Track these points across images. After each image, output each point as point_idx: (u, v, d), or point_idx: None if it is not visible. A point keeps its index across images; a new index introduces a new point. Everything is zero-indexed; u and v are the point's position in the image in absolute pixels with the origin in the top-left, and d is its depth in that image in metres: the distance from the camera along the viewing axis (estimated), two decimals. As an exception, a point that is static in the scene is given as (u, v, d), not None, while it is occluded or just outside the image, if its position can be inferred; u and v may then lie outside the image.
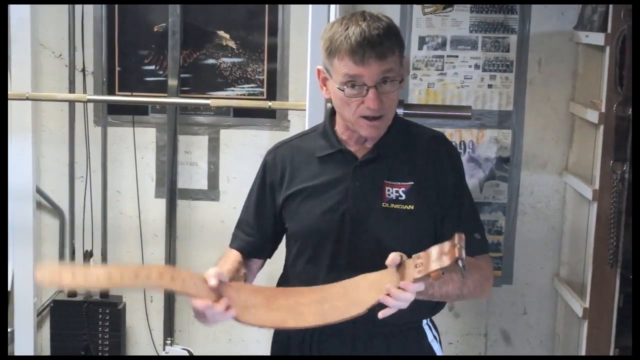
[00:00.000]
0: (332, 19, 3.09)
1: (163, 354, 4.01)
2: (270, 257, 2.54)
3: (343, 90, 2.19)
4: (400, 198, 2.28)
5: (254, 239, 2.48)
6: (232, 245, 2.51)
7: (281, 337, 2.49)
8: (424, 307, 2.30)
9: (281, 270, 2.55)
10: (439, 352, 2.43)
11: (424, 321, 2.40)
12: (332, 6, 2.93)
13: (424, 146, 2.35)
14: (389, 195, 2.28)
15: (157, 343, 4.09)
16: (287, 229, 2.42)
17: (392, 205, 2.28)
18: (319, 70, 2.30)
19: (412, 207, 2.27)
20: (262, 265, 2.55)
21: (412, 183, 2.29)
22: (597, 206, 3.39)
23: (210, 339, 4.13)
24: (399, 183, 2.29)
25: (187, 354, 3.96)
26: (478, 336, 4.01)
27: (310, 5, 2.72)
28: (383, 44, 2.16)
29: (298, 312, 2.17)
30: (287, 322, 2.20)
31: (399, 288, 2.02)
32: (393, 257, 2.07)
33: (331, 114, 2.39)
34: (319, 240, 2.32)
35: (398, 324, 2.29)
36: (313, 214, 2.32)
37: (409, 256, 2.06)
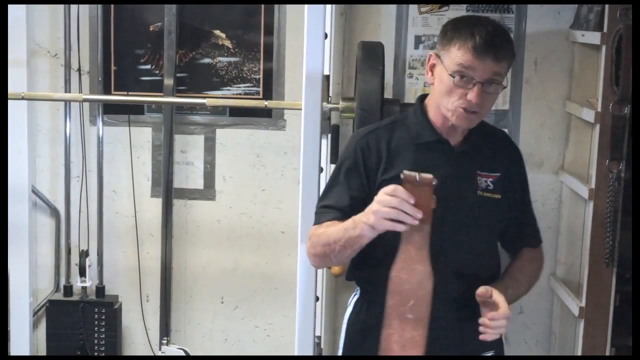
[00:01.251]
0: (329, 18, 3.09)
1: (159, 353, 4.01)
2: None
3: (453, 77, 2.29)
4: (489, 187, 2.44)
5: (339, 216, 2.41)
6: (324, 220, 2.41)
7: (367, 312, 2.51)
8: None
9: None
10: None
11: None
12: (328, 6, 2.93)
13: (501, 142, 2.56)
14: (480, 184, 2.43)
15: (153, 343, 4.09)
16: None
17: (485, 194, 2.43)
18: (430, 56, 2.39)
19: (500, 197, 2.44)
20: None
21: (499, 174, 2.45)
22: (593, 205, 3.39)
23: (206, 339, 4.13)
24: (489, 173, 2.44)
25: (183, 354, 3.96)
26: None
27: (306, 5, 2.72)
28: (503, 48, 2.32)
29: None
30: None
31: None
32: (483, 292, 2.29)
33: (421, 103, 2.47)
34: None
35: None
36: None
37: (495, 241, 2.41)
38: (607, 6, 3.32)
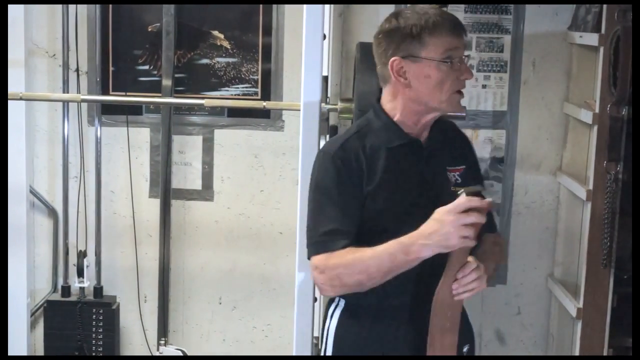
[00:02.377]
0: (327, 19, 3.09)
1: (157, 354, 4.01)
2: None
3: (449, 63, 2.28)
4: (458, 182, 2.40)
5: (349, 241, 2.32)
6: (336, 248, 2.30)
7: (358, 324, 2.43)
8: None
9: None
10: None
11: None
12: (327, 7, 2.93)
13: (455, 133, 2.53)
14: (451, 179, 2.40)
15: (151, 343, 4.09)
16: (369, 221, 2.34)
17: (456, 189, 2.35)
18: (394, 61, 2.32)
19: None
20: None
21: (464, 166, 2.43)
22: (591, 206, 3.40)
23: (204, 340, 4.13)
24: (456, 167, 2.42)
25: (181, 354, 3.96)
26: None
27: (305, 5, 2.72)
28: (459, 22, 2.36)
29: None
30: None
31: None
32: None
33: (379, 110, 2.41)
34: (407, 230, 2.25)
35: None
36: (401, 205, 2.33)
37: None
38: (604, 8, 3.32)
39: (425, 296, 2.28)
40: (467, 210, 2.09)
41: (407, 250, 2.16)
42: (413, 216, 2.25)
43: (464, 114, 3.11)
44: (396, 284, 2.27)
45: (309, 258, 2.32)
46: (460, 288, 2.21)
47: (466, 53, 2.38)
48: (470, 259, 2.21)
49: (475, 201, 2.10)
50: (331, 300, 2.50)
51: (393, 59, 2.32)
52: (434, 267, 2.23)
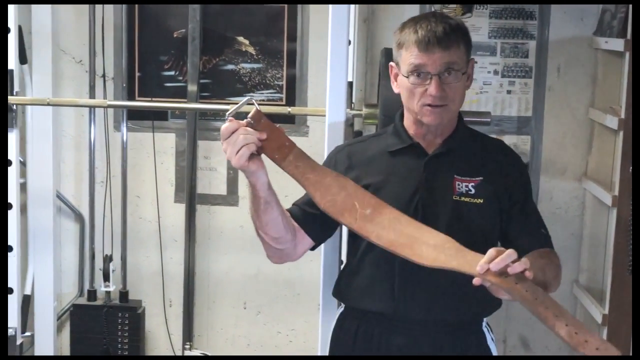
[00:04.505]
0: (352, 25, 3.10)
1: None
2: (316, 242, 2.50)
3: (408, 78, 2.30)
4: (470, 192, 2.38)
5: (312, 211, 2.48)
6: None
7: (347, 327, 2.47)
8: (483, 302, 2.34)
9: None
10: (495, 353, 2.53)
11: (483, 323, 2.49)
12: (352, 8, 2.94)
13: (494, 150, 2.49)
14: (459, 189, 2.38)
15: (176, 347, 4.11)
16: None
17: (463, 199, 2.37)
18: (391, 66, 2.41)
19: (482, 201, 2.37)
20: (305, 250, 2.52)
21: (481, 178, 2.39)
22: (617, 212, 3.38)
23: (229, 344, 4.14)
24: (469, 178, 2.39)
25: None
26: (497, 342, 3.98)
27: (330, 11, 2.72)
28: (448, 37, 2.29)
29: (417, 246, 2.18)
30: (403, 250, 2.18)
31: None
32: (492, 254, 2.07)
33: (401, 113, 2.47)
34: None
35: (462, 322, 2.41)
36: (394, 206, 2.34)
37: (480, 247, 2.14)
38: (630, 12, 3.31)
39: (408, 303, 2.33)
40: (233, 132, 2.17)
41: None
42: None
43: (489, 120, 3.11)
44: (380, 289, 2.36)
45: None
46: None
47: (467, 70, 2.36)
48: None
49: (232, 123, 2.18)
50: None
51: (390, 63, 2.42)
52: (414, 274, 2.28)
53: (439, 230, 2.22)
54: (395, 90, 2.41)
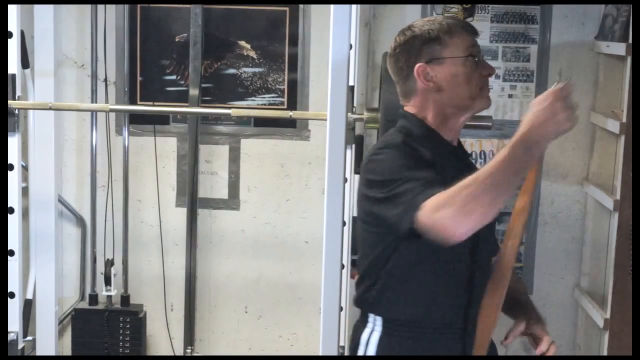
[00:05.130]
0: (353, 29, 3.10)
1: (183, 362, 4.02)
2: None
3: (474, 57, 2.32)
4: None
5: None
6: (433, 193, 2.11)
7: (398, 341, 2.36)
8: None
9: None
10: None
11: None
12: (353, 12, 2.94)
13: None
14: None
15: (178, 352, 4.11)
16: None
17: None
18: (419, 67, 2.33)
19: None
20: None
21: None
22: (618, 216, 3.38)
23: (230, 348, 4.14)
24: None
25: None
26: (498, 346, 3.98)
27: (332, 15, 2.72)
28: None
29: None
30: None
31: None
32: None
33: (414, 119, 2.37)
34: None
35: None
36: None
37: None
38: (631, 17, 3.31)
39: (467, 309, 2.29)
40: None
41: (526, 145, 2.06)
42: None
43: (490, 124, 3.12)
44: (439, 298, 2.28)
45: (411, 223, 2.09)
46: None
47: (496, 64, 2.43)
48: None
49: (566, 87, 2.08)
50: (361, 326, 2.41)
51: (417, 65, 2.33)
52: (475, 283, 2.27)
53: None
54: (430, 88, 2.32)
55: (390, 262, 2.30)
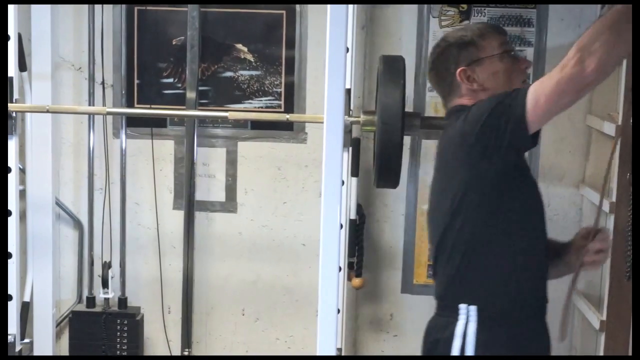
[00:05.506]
0: (350, 32, 3.11)
1: (180, 365, 4.03)
2: None
3: (511, 52, 2.51)
4: None
5: None
6: None
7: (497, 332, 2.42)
8: None
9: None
10: None
11: None
12: (350, 15, 2.95)
13: None
14: None
15: (175, 354, 4.11)
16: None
17: None
18: (461, 71, 2.51)
19: None
20: None
21: None
22: (614, 219, 3.39)
23: (227, 351, 4.15)
24: None
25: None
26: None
27: (328, 11, 2.73)
28: None
29: None
30: None
31: None
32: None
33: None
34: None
35: None
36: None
37: None
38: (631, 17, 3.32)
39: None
40: None
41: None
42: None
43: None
44: (528, 283, 2.40)
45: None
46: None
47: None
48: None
49: None
50: (449, 319, 2.42)
51: (459, 69, 2.49)
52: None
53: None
54: (476, 88, 2.49)
55: (472, 244, 2.37)
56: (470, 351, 2.35)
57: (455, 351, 2.36)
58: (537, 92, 2.23)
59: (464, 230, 2.38)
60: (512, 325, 2.39)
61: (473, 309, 2.37)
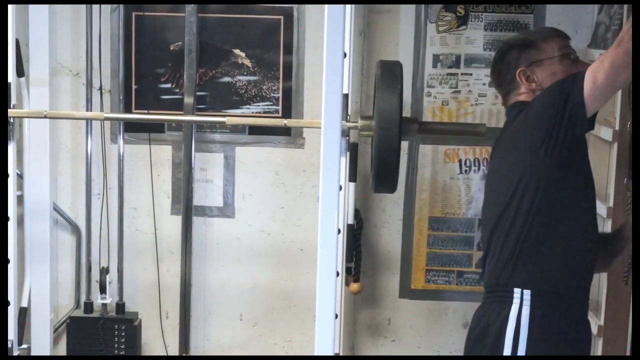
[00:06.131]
0: (348, 37, 3.11)
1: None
2: None
3: (570, 55, 2.57)
4: None
5: None
6: None
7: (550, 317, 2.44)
8: None
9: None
10: None
11: None
12: (347, 20, 2.95)
13: None
14: None
15: (173, 359, 4.11)
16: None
17: None
18: (520, 72, 2.58)
19: None
20: None
21: None
22: (612, 223, 3.39)
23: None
24: None
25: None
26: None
27: (325, 15, 2.73)
28: None
29: None
30: None
31: None
32: None
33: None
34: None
35: None
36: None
37: None
38: (632, 17, 3.32)
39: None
40: None
41: None
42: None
43: (483, 131, 3.12)
44: (581, 267, 2.44)
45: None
46: None
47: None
48: None
49: None
50: (503, 303, 2.45)
51: (519, 70, 2.57)
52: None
53: None
54: (535, 89, 2.55)
55: (528, 229, 2.41)
56: (524, 335, 2.39)
57: (509, 335, 2.40)
58: (594, 72, 2.30)
59: (519, 216, 2.43)
60: (564, 309, 2.43)
61: (527, 292, 2.41)
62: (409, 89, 3.86)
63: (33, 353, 3.76)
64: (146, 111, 4.01)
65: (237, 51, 3.97)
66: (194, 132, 3.98)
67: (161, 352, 4.13)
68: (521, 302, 2.41)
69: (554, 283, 2.42)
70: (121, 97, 3.98)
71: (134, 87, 4.00)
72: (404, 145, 3.84)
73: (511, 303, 2.42)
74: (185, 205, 4.01)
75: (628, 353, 3.33)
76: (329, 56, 2.74)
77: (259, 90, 3.97)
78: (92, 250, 4.07)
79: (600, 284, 3.56)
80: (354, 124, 3.12)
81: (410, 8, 3.88)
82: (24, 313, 3.80)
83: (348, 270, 3.75)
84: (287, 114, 3.96)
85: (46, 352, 3.79)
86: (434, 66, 3.86)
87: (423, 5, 3.85)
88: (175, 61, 3.97)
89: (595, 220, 2.53)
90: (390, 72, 2.96)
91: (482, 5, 3.82)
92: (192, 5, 3.88)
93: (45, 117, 3.48)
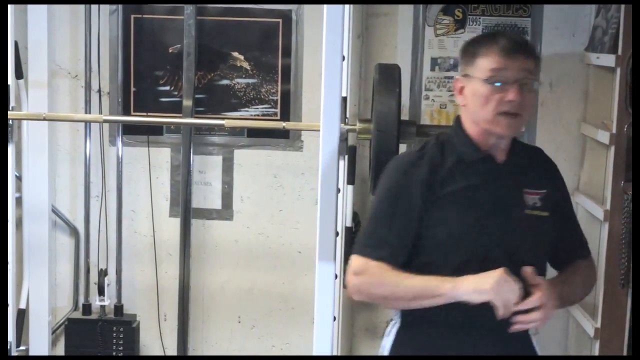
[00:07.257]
0: (346, 41, 3.12)
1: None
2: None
3: (489, 83, 2.32)
4: (536, 205, 2.44)
5: (401, 250, 2.41)
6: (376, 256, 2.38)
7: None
8: None
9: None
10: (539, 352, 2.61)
11: None
12: (346, 28, 2.96)
13: (541, 157, 2.58)
14: (528, 202, 2.43)
15: (171, 361, 4.12)
16: (426, 234, 2.39)
17: (533, 212, 2.42)
18: (457, 80, 2.44)
19: (548, 214, 2.44)
20: None
21: (545, 191, 2.45)
22: (609, 226, 3.40)
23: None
24: (536, 190, 2.44)
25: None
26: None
27: (324, 17, 2.74)
28: (527, 45, 2.42)
29: None
30: None
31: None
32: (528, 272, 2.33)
33: (459, 123, 2.47)
34: (464, 249, 2.37)
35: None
36: (463, 222, 2.37)
37: (543, 261, 2.44)
38: (621, 28, 3.34)
39: (480, 308, 2.30)
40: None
41: (438, 291, 2.27)
42: (479, 232, 2.35)
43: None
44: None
45: (348, 255, 2.45)
46: (517, 318, 2.31)
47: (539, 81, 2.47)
48: (537, 294, 2.30)
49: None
50: (390, 320, 2.56)
51: (455, 78, 2.45)
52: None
53: (509, 243, 2.36)
54: (461, 102, 2.43)
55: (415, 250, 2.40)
56: (386, 350, 2.54)
57: (385, 348, 2.55)
58: (360, 277, 2.42)
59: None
60: (428, 335, 2.43)
61: (398, 318, 2.51)
62: (407, 92, 3.87)
63: (31, 354, 3.76)
64: (145, 114, 4.01)
65: (235, 54, 3.98)
66: (192, 134, 3.99)
67: (159, 354, 4.13)
68: (396, 319, 2.54)
69: (412, 312, 2.42)
70: (120, 100, 3.99)
71: (132, 89, 4.01)
72: (402, 148, 3.84)
73: (392, 321, 2.58)
74: (184, 208, 4.01)
75: (624, 354, 3.34)
76: (327, 59, 2.75)
77: (258, 93, 3.98)
78: (91, 252, 4.07)
79: (597, 287, 3.57)
80: (353, 127, 3.13)
81: (409, 11, 3.89)
82: (22, 315, 3.80)
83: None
84: (285, 116, 3.97)
85: (44, 354, 3.79)
86: (432, 69, 3.87)
87: (421, 8, 3.86)
88: (174, 64, 3.98)
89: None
90: (389, 75, 2.97)
91: (480, 8, 3.83)
92: (191, 8, 3.88)
93: (44, 119, 3.49)
